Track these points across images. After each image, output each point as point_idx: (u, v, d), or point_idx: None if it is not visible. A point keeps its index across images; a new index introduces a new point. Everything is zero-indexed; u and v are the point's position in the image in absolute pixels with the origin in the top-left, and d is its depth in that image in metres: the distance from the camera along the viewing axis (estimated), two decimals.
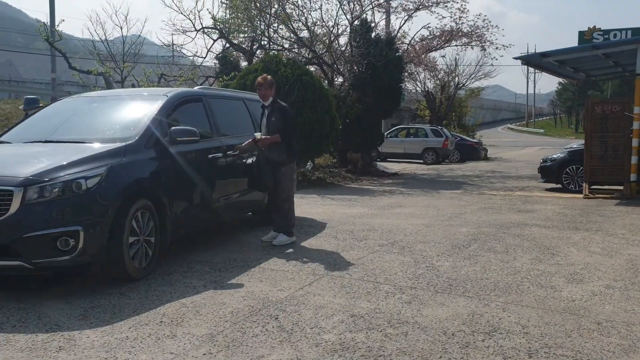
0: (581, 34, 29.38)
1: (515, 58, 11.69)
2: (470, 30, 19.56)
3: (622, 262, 5.61)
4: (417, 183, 14.55)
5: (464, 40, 20.02)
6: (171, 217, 5.34)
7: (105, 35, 15.93)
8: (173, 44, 16.99)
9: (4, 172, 4.52)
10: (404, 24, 19.11)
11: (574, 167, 11.84)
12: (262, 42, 15.79)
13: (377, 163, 19.75)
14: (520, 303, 4.28)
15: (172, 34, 15.70)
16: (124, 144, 5.06)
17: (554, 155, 12.47)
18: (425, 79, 28.72)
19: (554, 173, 12.10)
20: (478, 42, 20.08)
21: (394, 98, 16.08)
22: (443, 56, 21.86)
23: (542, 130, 76.70)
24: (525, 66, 78.99)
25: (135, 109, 5.77)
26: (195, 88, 6.73)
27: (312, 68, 16.52)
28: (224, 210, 6.43)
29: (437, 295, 4.47)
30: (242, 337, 3.57)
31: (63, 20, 15.17)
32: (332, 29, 16.80)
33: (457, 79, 30.65)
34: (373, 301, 4.32)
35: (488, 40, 20.01)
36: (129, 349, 3.38)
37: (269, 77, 6.54)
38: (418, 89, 29.42)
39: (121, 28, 15.79)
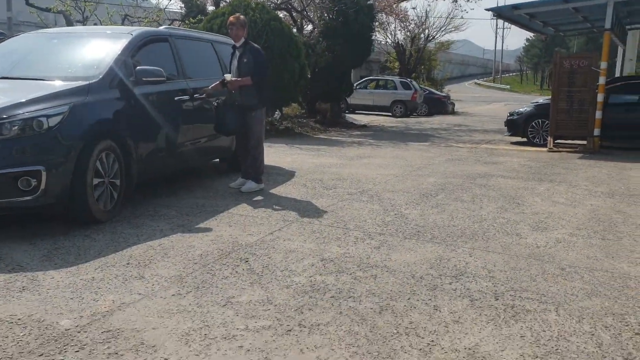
0: None
1: (487, 10, 11.60)
2: None
3: (585, 212, 5.75)
4: (386, 135, 14.57)
5: None
6: (136, 160, 5.21)
7: None
8: None
9: None
10: None
11: (539, 121, 11.99)
12: None
13: (346, 115, 19.67)
14: (486, 249, 4.35)
15: None
16: (87, 82, 4.84)
17: (521, 109, 12.60)
18: (396, 30, 28.43)
19: (520, 126, 12.25)
20: None
21: (365, 47, 15.87)
22: (414, 7, 21.38)
23: (508, 87, 77.36)
24: (495, 21, 78.94)
25: (99, 48, 5.51)
26: (161, 27, 6.46)
27: (280, 14, 16.11)
28: (190, 155, 6.31)
29: (405, 241, 4.51)
30: (212, 279, 3.54)
31: None
32: None
33: (427, 31, 30.47)
34: (342, 246, 4.33)
35: None
36: (96, 289, 3.32)
37: (241, 16, 6.31)
38: (388, 40, 29.14)
39: None
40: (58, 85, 4.77)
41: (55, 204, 4.44)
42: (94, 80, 4.90)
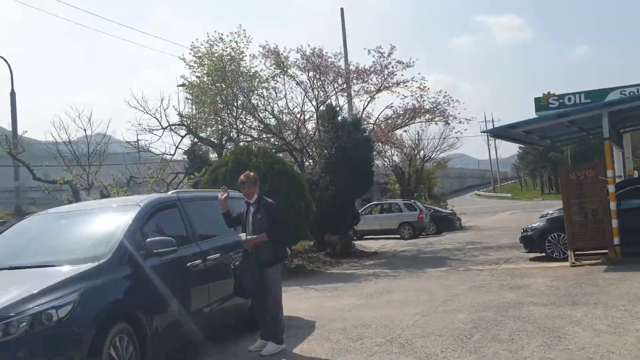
0: (537, 100, 30.45)
1: (484, 132, 12.05)
2: (432, 106, 20.04)
3: (633, 340, 5.32)
4: (400, 262, 14.24)
5: (427, 116, 20.45)
6: (151, 338, 4.90)
7: (68, 137, 15.65)
8: (138, 143, 16.78)
9: None
10: (367, 105, 19.43)
11: (555, 234, 11.74)
12: (231, 135, 15.77)
13: (355, 243, 19.46)
14: None
15: (138, 134, 15.55)
16: (96, 263, 4.68)
17: (534, 225, 12.41)
18: (392, 155, 29.10)
19: (536, 242, 11.98)
20: (441, 117, 20.53)
21: (366, 179, 16.08)
22: (405, 131, 22.12)
23: (509, 195, 78.01)
24: (486, 136, 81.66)
25: (107, 223, 5.42)
26: (169, 193, 6.44)
27: (280, 154, 16.49)
28: (207, 320, 5.98)
29: None
30: None
31: (26, 132, 14.87)
32: (299, 115, 16.97)
33: (422, 152, 31.18)
34: None
35: (451, 115, 20.51)
36: None
37: (251, 173, 6.33)
38: (386, 164, 29.71)
39: (85, 130, 15.57)
40: (66, 270, 4.59)
41: None
42: (103, 260, 4.74)
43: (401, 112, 20.35)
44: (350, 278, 11.69)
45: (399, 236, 23.43)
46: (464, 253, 15.36)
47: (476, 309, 7.25)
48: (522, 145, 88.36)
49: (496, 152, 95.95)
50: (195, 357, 5.94)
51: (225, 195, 6.11)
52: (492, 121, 79.00)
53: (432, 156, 31.85)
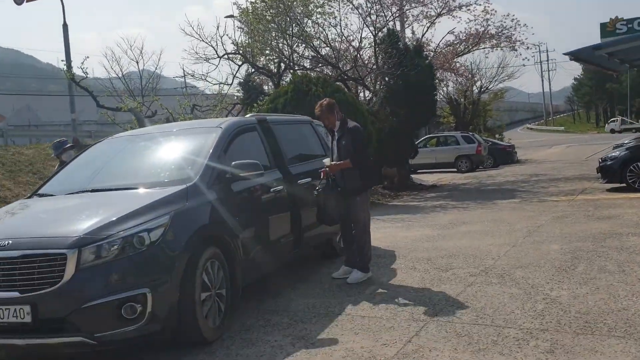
0: (603, 25, 28.46)
1: (565, 54, 10.97)
2: (498, 31, 18.77)
3: None
4: (464, 194, 13.73)
5: (493, 41, 19.21)
6: (241, 264, 4.65)
7: (121, 71, 15.46)
8: (194, 73, 16.38)
9: (52, 232, 3.89)
10: (426, 31, 18.34)
11: (638, 164, 10.98)
12: (289, 63, 15.18)
13: (412, 176, 18.99)
14: None
15: (195, 63, 15.12)
16: (184, 186, 4.38)
17: (614, 154, 11.62)
18: (447, 85, 27.94)
19: (617, 172, 11.23)
20: (507, 43, 19.25)
21: (429, 107, 15.36)
22: (461, 56, 20.80)
23: (562, 128, 75.42)
24: (539, 65, 78.04)
25: (189, 145, 5.10)
26: (248, 116, 6.05)
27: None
28: (290, 248, 5.71)
29: (579, 339, 3.69)
30: None
31: (88, 57, 14.57)
32: (354, 43, 16.19)
33: (479, 82, 29.90)
34: (507, 354, 3.55)
35: (518, 40, 19.19)
36: None
37: (324, 102, 5.86)
38: (440, 95, 28.63)
39: (137, 62, 15.30)
40: (154, 193, 4.32)
41: (162, 331, 3.88)
42: (190, 183, 4.44)
43: (463, 37, 19.18)
44: (416, 210, 11.31)
45: (455, 170, 22.79)
46: (531, 185, 14.70)
47: (569, 240, 6.77)
48: (576, 76, 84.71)
49: (550, 85, 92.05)
50: (279, 286, 5.72)
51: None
52: (547, 51, 75.44)
53: (490, 86, 30.52)
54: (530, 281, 5.11)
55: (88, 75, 12.48)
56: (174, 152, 5.11)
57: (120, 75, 15.38)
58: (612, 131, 58.88)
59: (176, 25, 15.16)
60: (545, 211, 9.43)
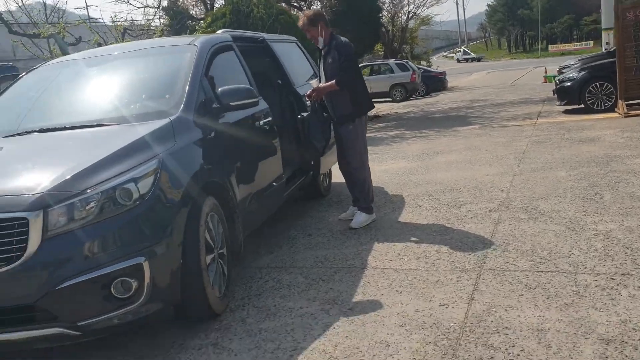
0: None
1: None
2: None
3: None
4: (416, 123, 13.15)
5: None
6: (240, 215, 3.72)
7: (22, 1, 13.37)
8: None
9: (4, 189, 2.76)
10: None
11: (597, 84, 10.74)
12: None
13: None
14: None
15: None
16: (167, 119, 3.32)
17: (572, 75, 11.32)
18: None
19: (575, 93, 10.97)
20: None
21: (375, 30, 14.47)
22: None
23: (482, 55, 76.85)
24: None
25: (160, 68, 3.97)
26: (219, 32, 4.88)
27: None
28: (285, 190, 4.79)
29: None
30: None
31: None
32: None
33: (406, 7, 29.16)
34: (602, 308, 2.91)
35: None
36: None
37: (305, 14, 4.92)
38: None
39: None
40: (131, 130, 3.22)
41: (163, 309, 2.94)
42: (174, 116, 3.37)
43: None
44: (374, 141, 10.59)
45: (390, 99, 22.25)
46: (479, 111, 14.37)
47: (572, 166, 6.28)
48: (489, 2, 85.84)
49: (464, 11, 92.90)
50: (275, 234, 4.85)
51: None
52: None
53: (417, 12, 29.84)
54: (563, 214, 4.53)
55: None
56: (142, 77, 3.93)
57: (20, 4, 13.28)
58: (458, 60, 72.89)
59: None
60: (516, 136, 8.99)
